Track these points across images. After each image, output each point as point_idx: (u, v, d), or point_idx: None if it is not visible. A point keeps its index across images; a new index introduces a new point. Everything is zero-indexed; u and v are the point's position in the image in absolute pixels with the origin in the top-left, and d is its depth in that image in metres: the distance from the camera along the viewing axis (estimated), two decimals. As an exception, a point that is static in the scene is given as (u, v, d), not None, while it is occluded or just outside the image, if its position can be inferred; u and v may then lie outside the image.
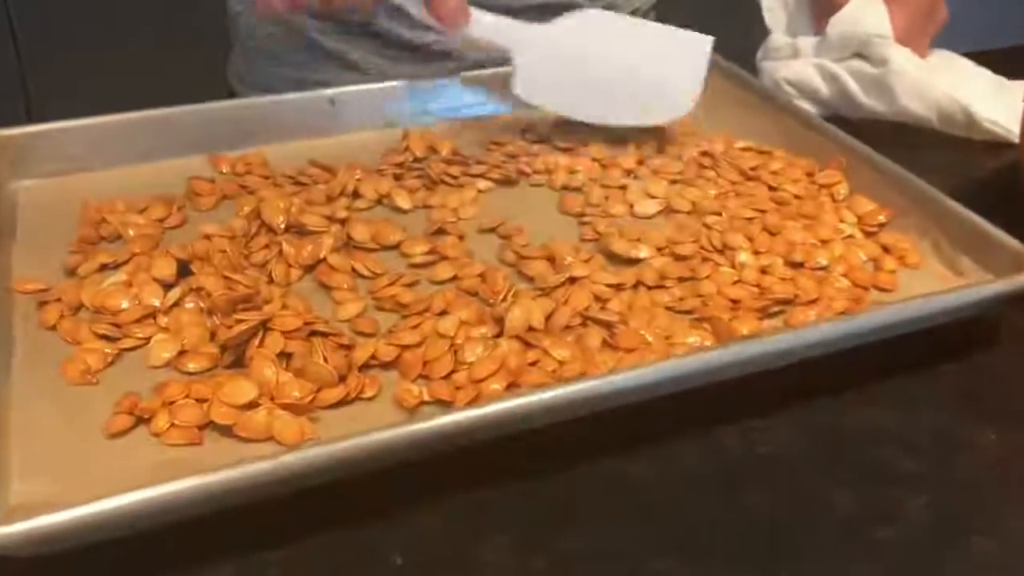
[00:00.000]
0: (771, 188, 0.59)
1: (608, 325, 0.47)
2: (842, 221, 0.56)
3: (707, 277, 0.51)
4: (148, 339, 0.46)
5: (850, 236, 0.55)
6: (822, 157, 0.61)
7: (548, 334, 0.46)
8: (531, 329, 0.46)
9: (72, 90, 1.18)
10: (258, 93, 0.76)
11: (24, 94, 1.55)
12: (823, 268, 0.52)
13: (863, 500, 0.41)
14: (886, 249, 0.54)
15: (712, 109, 0.67)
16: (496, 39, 0.61)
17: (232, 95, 0.83)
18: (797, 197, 0.58)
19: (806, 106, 0.69)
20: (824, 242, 0.54)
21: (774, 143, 0.64)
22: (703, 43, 0.63)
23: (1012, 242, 0.50)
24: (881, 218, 0.56)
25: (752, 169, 0.60)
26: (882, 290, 0.51)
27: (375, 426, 0.38)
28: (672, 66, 0.63)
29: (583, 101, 0.63)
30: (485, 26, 0.61)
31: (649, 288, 0.50)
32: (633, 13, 0.82)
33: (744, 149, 0.63)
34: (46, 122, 0.59)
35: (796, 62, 0.71)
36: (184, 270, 0.50)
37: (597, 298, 0.48)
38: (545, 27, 0.62)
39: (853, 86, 0.69)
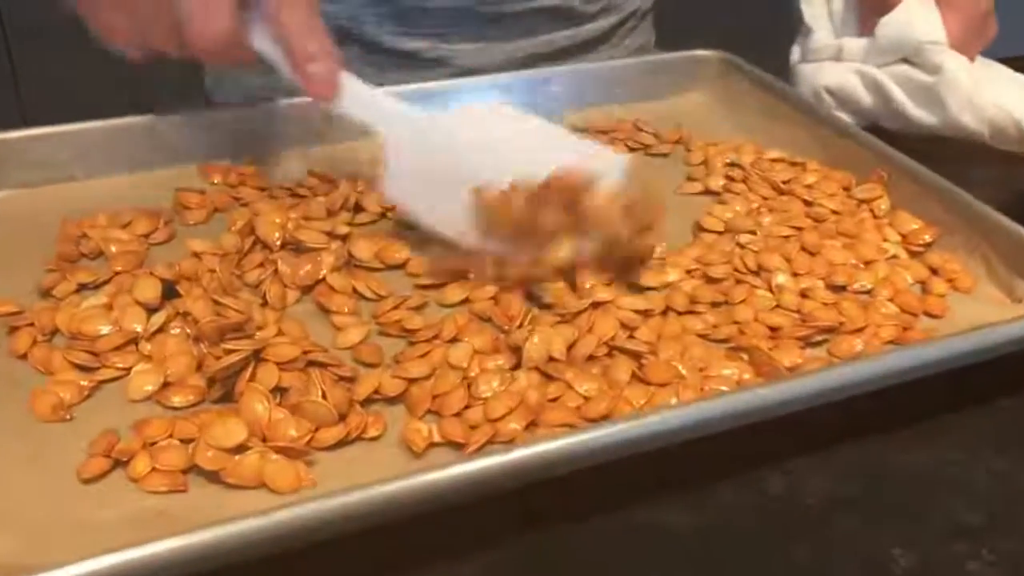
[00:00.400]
0: (806, 203, 0.54)
1: (637, 356, 0.42)
2: (885, 240, 0.51)
3: (742, 301, 0.46)
4: (128, 369, 0.41)
5: (894, 256, 0.51)
6: (859, 169, 0.57)
7: (570, 365, 0.42)
8: (551, 359, 0.42)
9: (65, 96, 1.14)
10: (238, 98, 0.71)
11: (17, 99, 1.50)
12: (867, 292, 0.48)
13: (923, 558, 0.37)
14: (934, 271, 0.49)
15: (736, 115, 0.63)
16: (367, 117, 0.51)
17: (208, 102, 0.78)
18: (835, 213, 0.53)
19: (844, 117, 0.64)
20: (867, 263, 0.49)
21: (807, 153, 0.59)
22: (616, 163, 0.50)
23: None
24: (927, 237, 0.51)
25: (785, 183, 0.56)
26: (932, 316, 0.47)
27: (380, 473, 0.33)
28: None
29: (452, 211, 0.49)
30: (358, 101, 0.50)
31: (679, 314, 0.46)
32: (633, 14, 0.78)
33: (775, 160, 0.59)
34: (24, 127, 0.55)
35: (838, 67, 0.66)
36: (170, 292, 0.45)
37: (624, 325, 0.44)
38: (426, 116, 0.51)
39: (900, 96, 0.63)
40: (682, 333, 0.44)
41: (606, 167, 0.48)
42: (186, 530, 0.31)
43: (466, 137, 0.50)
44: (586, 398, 0.40)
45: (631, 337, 0.43)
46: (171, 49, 0.49)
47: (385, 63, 0.71)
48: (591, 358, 0.42)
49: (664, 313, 0.46)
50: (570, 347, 0.42)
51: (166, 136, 0.57)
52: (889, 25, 0.64)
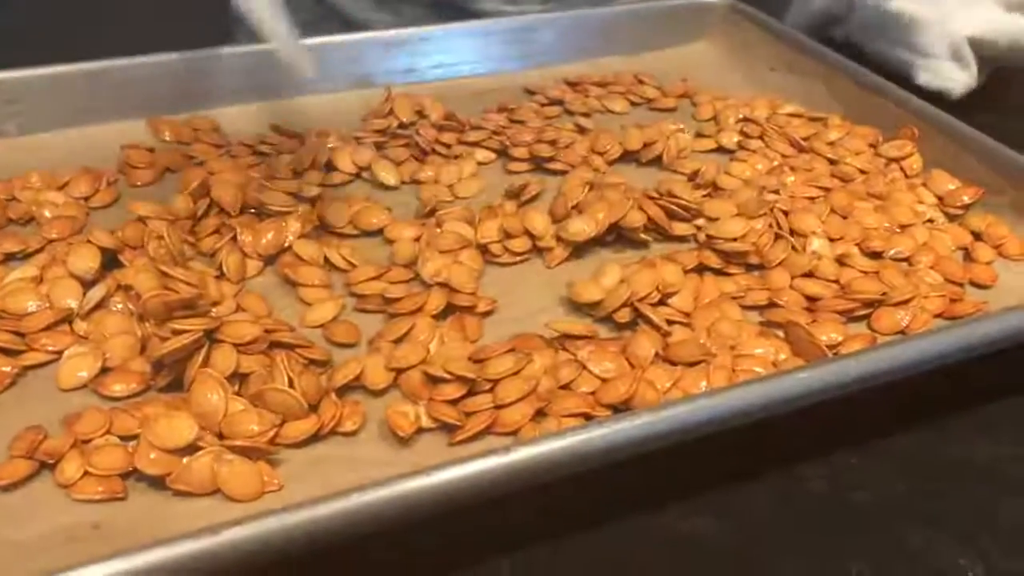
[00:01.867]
0: (830, 162, 0.49)
1: (663, 331, 0.37)
2: (920, 202, 0.46)
3: (780, 264, 0.41)
4: (60, 353, 0.35)
5: (930, 220, 0.45)
6: (886, 124, 0.51)
7: (587, 341, 0.36)
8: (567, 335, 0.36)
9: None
10: None
11: None
12: (905, 259, 0.42)
13: (992, 570, 0.31)
14: (977, 235, 0.44)
15: (746, 67, 0.58)
16: None
17: None
18: (862, 172, 0.48)
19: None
20: (903, 227, 0.44)
21: (826, 108, 0.54)
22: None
23: None
24: (966, 198, 0.46)
25: (805, 139, 0.50)
26: (979, 286, 0.42)
27: (358, 474, 0.28)
28: None
29: None
30: None
31: (715, 273, 0.40)
32: None
33: (792, 115, 0.53)
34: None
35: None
36: (111, 262, 0.39)
37: (658, 289, 0.38)
38: None
39: None
40: (720, 299, 0.39)
41: None
42: (125, 549, 0.25)
43: None
44: (603, 379, 0.34)
45: (663, 303, 0.38)
46: None
47: (438, 17, 0.65)
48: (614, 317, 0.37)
49: (699, 271, 0.40)
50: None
51: (110, 86, 0.50)
52: None
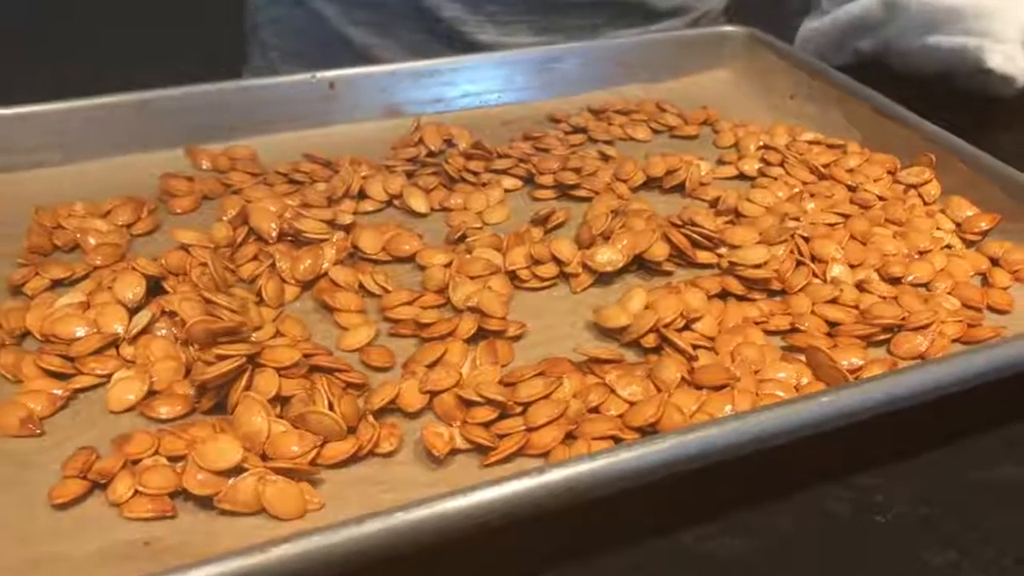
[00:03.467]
0: (850, 188, 0.50)
1: (688, 356, 0.38)
2: (938, 228, 0.47)
3: (801, 289, 0.42)
4: (108, 376, 0.37)
5: (948, 246, 0.46)
6: (904, 151, 0.52)
7: (614, 365, 0.37)
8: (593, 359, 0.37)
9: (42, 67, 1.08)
10: None
11: None
12: (924, 285, 0.43)
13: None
14: (995, 261, 0.45)
15: (766, 94, 0.59)
16: None
17: None
18: (881, 199, 0.49)
19: None
20: (921, 253, 0.45)
21: (844, 134, 0.55)
22: None
23: None
24: (984, 224, 0.47)
25: (825, 166, 0.51)
26: (997, 311, 0.43)
27: (396, 493, 0.30)
28: None
29: None
30: None
31: (738, 299, 0.41)
32: (705, 15, 0.74)
33: (811, 143, 0.54)
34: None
35: None
36: (155, 288, 0.40)
37: (682, 315, 0.39)
38: None
39: None
40: (743, 324, 0.40)
41: None
42: (178, 565, 0.27)
43: None
44: (630, 403, 0.36)
45: (687, 328, 0.39)
46: None
47: (436, 44, 0.67)
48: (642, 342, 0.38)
49: (722, 297, 0.42)
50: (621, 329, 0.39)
51: (152, 117, 0.52)
52: None
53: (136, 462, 0.33)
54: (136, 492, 0.32)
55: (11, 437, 0.34)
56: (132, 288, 0.40)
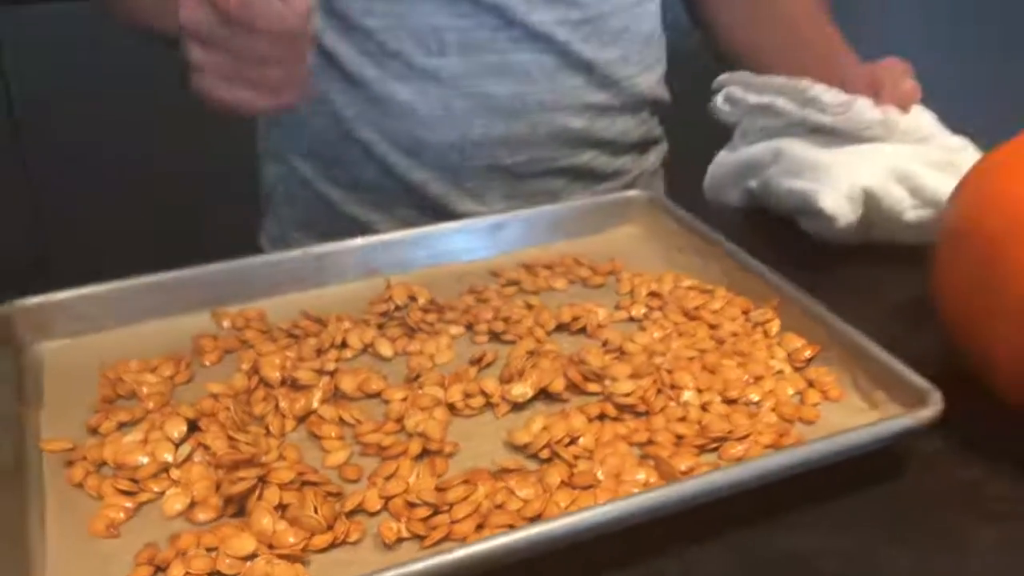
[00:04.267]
0: (711, 327, 0.66)
1: (569, 464, 0.53)
2: (773, 357, 0.63)
3: (661, 411, 0.58)
4: (162, 493, 0.52)
5: (780, 372, 0.62)
6: (758, 295, 0.68)
7: (517, 472, 0.53)
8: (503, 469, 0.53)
9: (89, 245, 1.28)
10: None
11: (41, 251, 1.64)
12: (755, 403, 0.59)
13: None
14: (811, 383, 0.61)
15: (661, 248, 0.76)
16: None
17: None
18: (734, 335, 0.65)
19: None
20: (757, 378, 0.61)
21: (716, 281, 0.71)
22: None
23: (917, 379, 0.57)
24: (807, 354, 0.63)
25: (695, 309, 0.68)
26: (807, 423, 0.58)
27: (361, 570, 0.44)
28: None
29: None
30: None
31: (612, 420, 0.57)
32: (642, 174, 0.93)
33: (689, 288, 0.70)
34: (67, 288, 0.67)
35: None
36: (193, 427, 0.57)
37: (568, 434, 0.55)
38: None
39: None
40: (614, 439, 0.56)
41: None
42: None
43: None
44: (525, 501, 0.51)
45: (572, 443, 0.55)
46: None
47: (423, 216, 0.86)
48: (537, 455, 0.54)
49: (600, 418, 0.57)
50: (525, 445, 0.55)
51: (184, 288, 0.69)
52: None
53: (185, 553, 0.48)
54: (186, 574, 0.47)
55: (99, 539, 0.50)
56: (176, 427, 0.56)
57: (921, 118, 0.79)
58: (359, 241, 0.74)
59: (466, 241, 0.76)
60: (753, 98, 0.81)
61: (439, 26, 0.84)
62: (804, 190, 0.76)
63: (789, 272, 0.69)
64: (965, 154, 0.77)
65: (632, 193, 0.81)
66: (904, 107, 0.77)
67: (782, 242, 0.77)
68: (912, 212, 0.75)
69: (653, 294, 0.70)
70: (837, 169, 0.76)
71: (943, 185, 0.73)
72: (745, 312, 0.68)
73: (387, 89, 0.86)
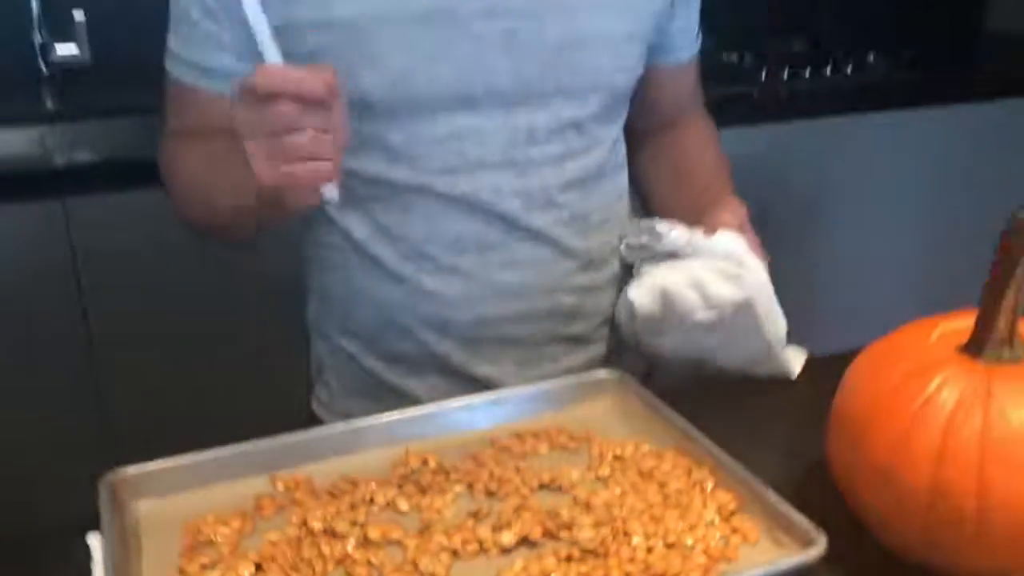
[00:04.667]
0: (660, 484, 0.84)
1: None
2: (706, 508, 0.80)
3: (615, 553, 0.75)
4: (237, 619, 0.70)
5: (711, 521, 0.79)
6: (697, 457, 0.86)
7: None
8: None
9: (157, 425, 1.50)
10: (338, 418, 1.06)
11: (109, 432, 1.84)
12: (689, 546, 0.76)
13: None
14: (734, 530, 0.78)
15: (627, 417, 0.95)
16: None
17: (313, 418, 1.13)
18: (678, 491, 0.83)
19: None
20: (692, 527, 0.78)
21: (670, 446, 0.89)
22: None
23: (809, 525, 0.74)
24: (732, 505, 0.80)
25: (649, 470, 0.85)
26: (728, 560, 0.75)
27: None
28: None
29: None
30: None
31: (577, 560, 0.74)
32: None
33: (647, 453, 0.89)
34: (154, 458, 0.86)
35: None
36: (257, 566, 0.75)
37: (541, 573, 0.73)
38: None
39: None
40: (575, 578, 0.73)
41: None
42: None
43: None
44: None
45: None
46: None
47: (427, 369, 1.08)
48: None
49: (568, 559, 0.75)
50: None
51: (250, 456, 0.88)
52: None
53: (254, 662, 0.66)
54: None
55: (191, 652, 0.68)
56: (247, 568, 0.74)
57: (723, 240, 1.01)
58: (384, 417, 0.93)
59: (470, 415, 0.95)
60: (632, 239, 1.06)
61: (461, 232, 1.04)
62: (625, 290, 1.01)
63: (719, 430, 0.87)
64: (750, 268, 1.00)
65: (603, 374, 1.00)
66: (711, 232, 1.01)
67: (723, 408, 0.96)
68: (702, 313, 0.98)
69: (617, 457, 0.88)
70: (651, 275, 1.01)
71: (728, 292, 0.98)
72: (688, 472, 0.85)
73: (420, 281, 1.06)
